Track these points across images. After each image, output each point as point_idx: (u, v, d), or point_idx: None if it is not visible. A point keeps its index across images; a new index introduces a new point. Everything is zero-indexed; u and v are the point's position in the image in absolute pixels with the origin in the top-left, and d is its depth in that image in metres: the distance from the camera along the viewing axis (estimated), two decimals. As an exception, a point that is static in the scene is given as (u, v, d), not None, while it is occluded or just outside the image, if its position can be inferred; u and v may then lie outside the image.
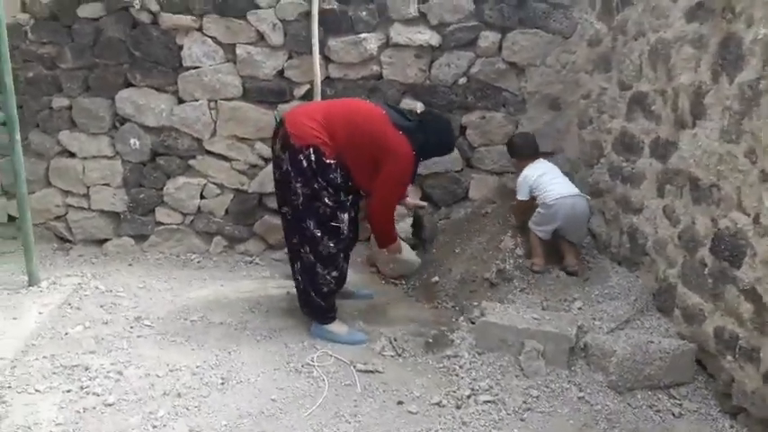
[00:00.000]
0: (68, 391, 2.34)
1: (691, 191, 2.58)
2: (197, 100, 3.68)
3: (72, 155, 3.76)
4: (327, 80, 3.71)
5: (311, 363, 2.64)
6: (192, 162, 3.79)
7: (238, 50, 3.63)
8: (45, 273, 3.43)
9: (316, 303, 2.87)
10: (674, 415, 2.35)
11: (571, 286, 3.14)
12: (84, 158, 3.76)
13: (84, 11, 3.55)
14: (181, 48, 3.62)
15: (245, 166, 3.81)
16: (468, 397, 2.40)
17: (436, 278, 3.47)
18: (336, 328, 2.90)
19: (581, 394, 2.45)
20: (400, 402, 2.38)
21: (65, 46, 3.59)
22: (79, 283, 3.33)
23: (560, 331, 2.59)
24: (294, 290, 3.04)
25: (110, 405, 2.26)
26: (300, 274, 2.88)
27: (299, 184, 2.66)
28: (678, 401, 2.42)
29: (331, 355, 2.71)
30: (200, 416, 2.24)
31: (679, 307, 2.67)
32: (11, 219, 3.86)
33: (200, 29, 3.59)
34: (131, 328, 2.90)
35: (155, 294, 3.31)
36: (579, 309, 2.93)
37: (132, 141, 3.73)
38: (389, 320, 3.11)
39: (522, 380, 2.53)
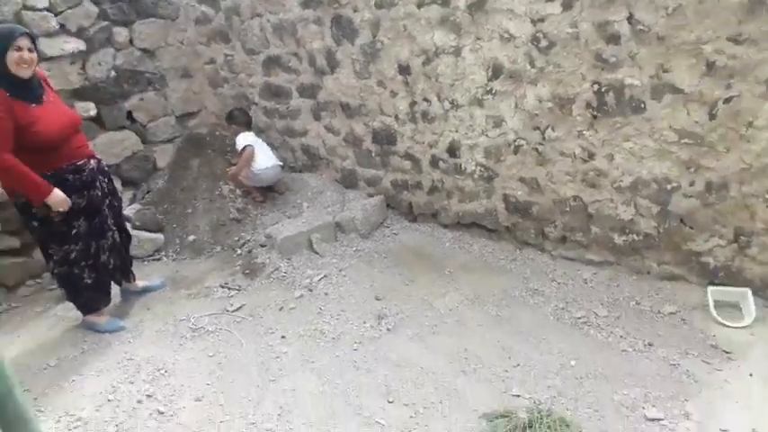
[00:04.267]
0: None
1: (343, 111, 4.26)
2: None
3: None
4: None
5: (195, 326, 3.37)
6: None
7: None
8: None
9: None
10: (395, 234, 4.21)
11: (290, 197, 4.53)
12: None
13: None
14: None
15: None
16: (310, 283, 3.69)
17: (192, 237, 4.28)
18: (95, 318, 3.41)
19: (353, 249, 4.04)
20: (281, 308, 3.47)
21: None
22: None
23: (326, 221, 4.06)
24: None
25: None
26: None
27: None
28: (391, 228, 4.27)
29: (201, 316, 3.46)
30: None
31: (362, 180, 4.46)
32: None
33: None
34: None
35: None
36: (308, 207, 4.39)
37: None
38: (197, 279, 3.90)
39: (321, 259, 3.93)
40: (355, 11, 3.82)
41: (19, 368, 3.12)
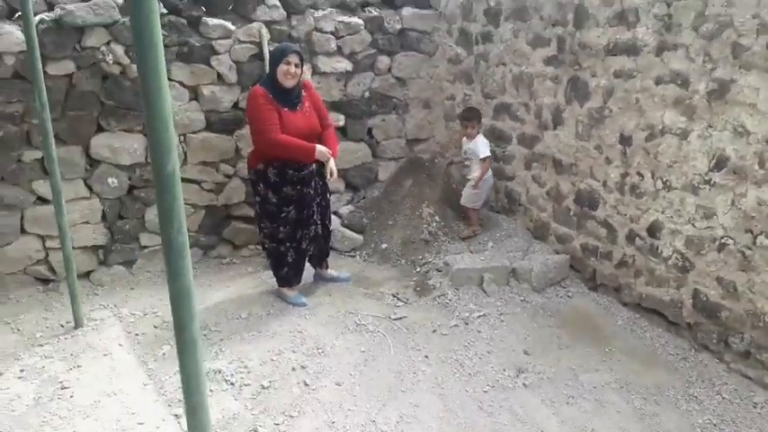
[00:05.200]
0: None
1: (554, 166, 4.34)
2: (170, 136, 4.21)
3: (47, 201, 3.96)
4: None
5: (360, 322, 3.80)
6: (167, 189, 4.33)
7: (203, 91, 4.27)
8: (56, 314, 3.81)
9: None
10: (569, 296, 4.16)
11: (479, 233, 4.76)
12: (62, 203, 4.02)
13: (54, 68, 3.77)
14: (150, 93, 4.08)
15: (213, 186, 4.50)
16: (468, 317, 3.87)
17: (385, 245, 4.76)
18: (286, 291, 4.03)
19: (521, 298, 4.09)
20: (434, 331, 3.73)
21: (33, 102, 3.76)
22: (116, 315, 3.82)
23: (502, 264, 4.20)
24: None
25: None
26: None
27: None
28: (567, 289, 4.23)
29: (367, 315, 3.89)
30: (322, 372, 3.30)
31: (553, 235, 4.49)
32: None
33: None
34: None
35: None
36: (492, 246, 4.57)
37: (110, 180, 4.12)
38: (376, 282, 4.35)
39: (487, 298, 4.07)
40: (593, 76, 3.90)
41: (219, 312, 3.90)
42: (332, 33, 4.72)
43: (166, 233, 1.59)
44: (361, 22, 4.80)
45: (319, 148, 3.75)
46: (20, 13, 3.28)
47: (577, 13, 3.92)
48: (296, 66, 3.65)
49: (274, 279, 4.09)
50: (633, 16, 3.55)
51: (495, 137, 4.87)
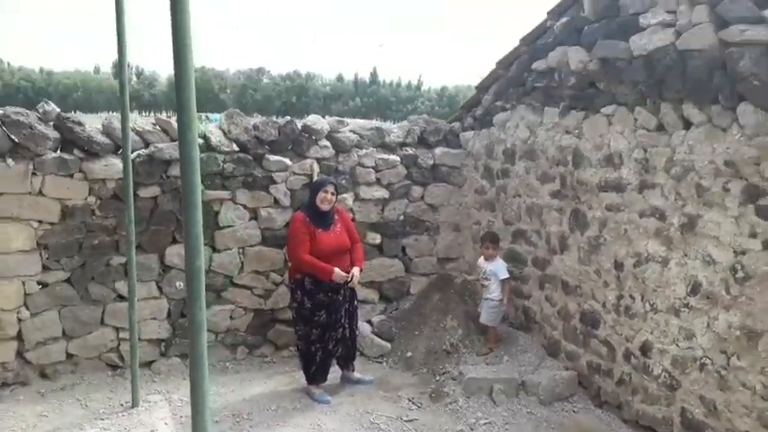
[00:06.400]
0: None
1: (562, 288, 4.78)
2: (230, 249, 5.05)
3: (124, 299, 4.76)
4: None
5: (374, 421, 4.23)
6: (223, 293, 5.09)
7: (261, 212, 5.14)
8: (119, 395, 4.47)
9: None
10: (574, 411, 4.42)
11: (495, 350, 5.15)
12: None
13: (144, 192, 4.75)
14: (217, 213, 4.99)
15: (262, 291, 5.23)
16: (474, 423, 4.21)
17: (410, 354, 5.22)
18: (313, 389, 4.55)
19: (527, 410, 4.40)
20: (439, 435, 4.10)
21: (124, 218, 4.71)
22: (166, 399, 4.45)
23: (511, 376, 4.56)
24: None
25: None
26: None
27: None
28: (574, 405, 4.50)
29: (382, 415, 4.31)
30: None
31: (563, 351, 4.82)
32: (68, 356, 4.74)
33: (232, 199, 5.02)
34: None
35: (234, 396, 4.55)
36: (507, 360, 4.93)
37: (177, 284, 4.93)
38: (396, 387, 4.78)
39: (495, 407, 4.40)
40: (590, 208, 4.45)
41: (253, 403, 4.46)
42: (372, 168, 5.57)
43: (191, 311, 2.22)
44: (398, 158, 5.65)
45: (337, 271, 4.40)
46: (121, 150, 4.27)
47: (575, 155, 4.55)
48: (331, 194, 4.47)
49: (304, 378, 4.63)
50: (618, 159, 4.14)
51: (513, 258, 5.39)
